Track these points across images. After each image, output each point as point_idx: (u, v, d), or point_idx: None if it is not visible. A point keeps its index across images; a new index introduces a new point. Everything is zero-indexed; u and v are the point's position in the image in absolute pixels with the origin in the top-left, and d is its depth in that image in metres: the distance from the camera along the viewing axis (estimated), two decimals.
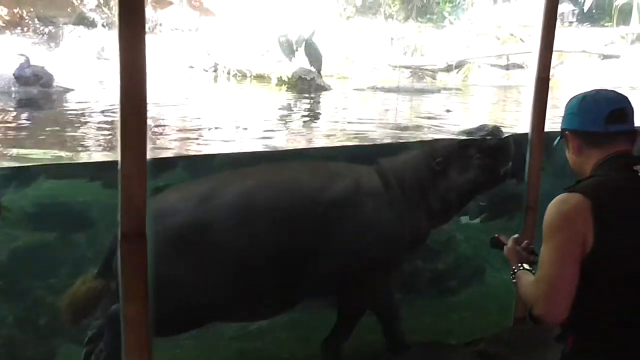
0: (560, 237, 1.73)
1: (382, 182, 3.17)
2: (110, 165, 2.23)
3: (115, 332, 2.64)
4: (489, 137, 3.38)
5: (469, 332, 3.66)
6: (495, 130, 3.45)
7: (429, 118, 7.68)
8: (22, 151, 4.42)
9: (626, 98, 1.87)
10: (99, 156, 4.53)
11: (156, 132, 5.25)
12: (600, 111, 1.81)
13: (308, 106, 9.47)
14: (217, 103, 9.76)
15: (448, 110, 8.34)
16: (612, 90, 1.91)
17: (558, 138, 1.97)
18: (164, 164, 3.68)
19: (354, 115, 8.17)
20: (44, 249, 3.39)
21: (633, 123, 1.87)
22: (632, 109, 1.86)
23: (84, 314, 2.90)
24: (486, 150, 3.28)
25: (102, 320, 2.87)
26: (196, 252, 2.81)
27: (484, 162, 3.25)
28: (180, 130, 6.04)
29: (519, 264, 1.96)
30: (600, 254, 1.70)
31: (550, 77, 3.52)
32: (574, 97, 1.92)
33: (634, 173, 1.78)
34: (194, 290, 2.80)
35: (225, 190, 2.91)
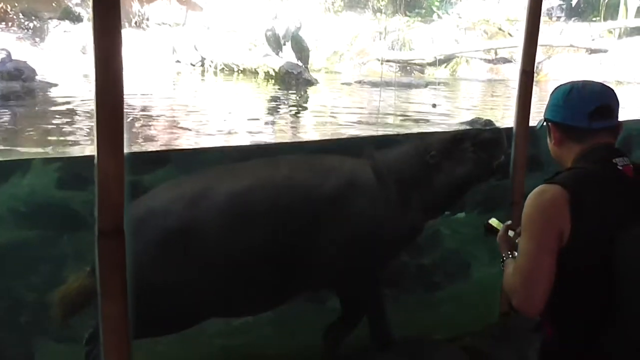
0: (537, 229, 1.73)
1: (376, 176, 3.15)
2: (88, 160, 2.20)
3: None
4: (482, 130, 3.38)
5: (454, 327, 3.66)
6: (489, 123, 3.43)
7: (417, 112, 7.68)
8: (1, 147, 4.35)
9: (612, 92, 1.86)
10: (83, 151, 4.47)
11: (141, 126, 5.21)
12: (584, 107, 1.80)
13: (295, 100, 9.45)
14: (204, 97, 9.71)
15: (434, 105, 8.31)
16: (599, 84, 1.89)
17: (540, 123, 1.96)
18: (148, 159, 3.65)
19: (340, 109, 8.16)
20: (25, 247, 3.36)
21: (617, 117, 1.86)
22: (617, 103, 1.85)
23: (75, 311, 2.87)
24: (480, 144, 3.27)
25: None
26: (188, 253, 2.79)
27: (478, 155, 3.25)
28: (166, 124, 6.00)
29: (509, 252, 1.95)
30: (577, 245, 1.70)
31: (537, 71, 3.53)
32: (560, 86, 1.91)
33: (613, 165, 1.78)
34: (188, 290, 2.79)
35: (216, 191, 2.88)
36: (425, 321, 3.67)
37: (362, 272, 3.12)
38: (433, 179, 3.23)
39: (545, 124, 1.93)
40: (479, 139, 3.28)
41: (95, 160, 2.12)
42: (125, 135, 2.14)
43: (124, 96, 2.09)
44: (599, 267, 1.71)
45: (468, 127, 3.49)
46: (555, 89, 1.92)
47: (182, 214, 2.81)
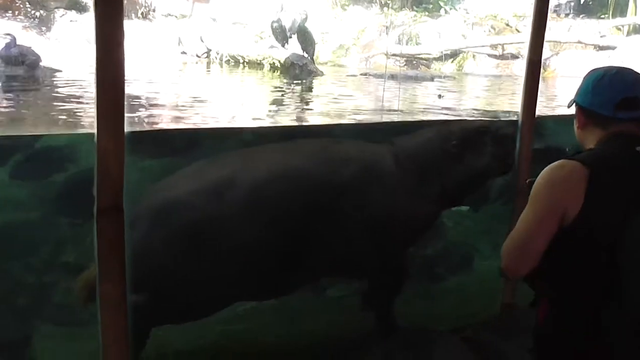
0: (543, 203, 1.77)
1: (395, 164, 3.15)
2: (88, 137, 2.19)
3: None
4: (504, 125, 3.40)
5: (456, 318, 3.65)
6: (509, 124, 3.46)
7: (422, 104, 7.67)
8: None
9: None
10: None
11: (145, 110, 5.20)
12: (612, 96, 1.83)
13: (299, 91, 9.45)
14: (209, 88, 9.71)
15: (440, 96, 8.33)
16: (634, 73, 1.90)
17: (571, 103, 1.97)
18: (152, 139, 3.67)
19: (345, 99, 8.16)
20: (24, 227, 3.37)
21: None
22: None
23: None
24: (500, 138, 3.30)
25: None
26: (211, 245, 2.81)
27: (496, 149, 3.27)
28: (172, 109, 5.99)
29: None
30: (587, 223, 1.72)
31: (545, 67, 3.51)
32: (594, 70, 1.93)
33: (635, 152, 1.79)
34: (211, 279, 2.83)
35: (237, 183, 2.87)
36: (427, 312, 3.66)
37: (381, 259, 3.14)
38: (452, 168, 3.23)
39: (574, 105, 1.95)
40: (500, 133, 3.31)
41: (95, 138, 2.10)
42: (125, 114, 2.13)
43: (125, 72, 2.06)
44: (607, 245, 1.71)
45: (488, 120, 3.46)
46: (589, 72, 1.93)
47: (205, 207, 2.81)
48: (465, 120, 3.61)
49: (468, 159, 3.24)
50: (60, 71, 8.21)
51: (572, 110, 2.00)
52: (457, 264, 4.35)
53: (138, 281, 2.74)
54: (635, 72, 1.91)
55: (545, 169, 1.82)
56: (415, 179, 3.17)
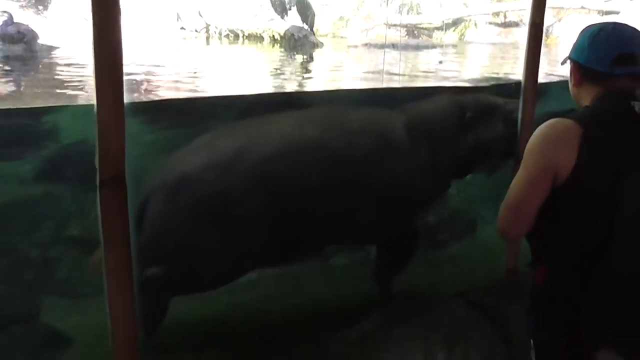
0: (535, 162, 1.77)
1: (407, 134, 3.15)
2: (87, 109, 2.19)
3: (149, 297, 2.87)
4: (516, 108, 3.39)
5: (460, 284, 3.66)
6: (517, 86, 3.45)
7: (424, 71, 7.63)
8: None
9: (638, 39, 1.85)
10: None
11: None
12: (609, 52, 1.81)
13: (300, 62, 9.41)
14: (209, 61, 9.66)
15: (440, 62, 8.32)
16: (630, 28, 1.88)
17: (565, 60, 1.97)
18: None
19: (348, 69, 8.12)
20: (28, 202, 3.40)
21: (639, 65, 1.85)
22: None
23: None
24: (513, 121, 3.32)
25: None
26: (224, 217, 2.84)
27: (507, 131, 3.29)
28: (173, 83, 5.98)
29: None
30: (579, 182, 1.72)
31: (547, 34, 3.48)
32: (590, 26, 1.91)
33: (631, 108, 1.77)
34: (225, 250, 2.87)
35: (248, 156, 2.88)
36: (431, 279, 3.68)
37: (393, 228, 3.20)
38: (463, 140, 3.24)
39: (569, 62, 1.94)
40: (514, 116, 3.32)
41: (95, 109, 2.10)
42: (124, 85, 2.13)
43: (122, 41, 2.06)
44: (601, 203, 1.71)
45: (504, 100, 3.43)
46: (585, 29, 1.91)
47: (216, 182, 2.83)
48: (483, 94, 3.55)
49: (479, 134, 3.25)
50: (58, 48, 8.18)
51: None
52: (462, 231, 4.37)
53: (155, 254, 2.89)
54: (632, 27, 1.88)
55: (536, 129, 1.82)
56: (426, 149, 3.17)
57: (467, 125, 3.24)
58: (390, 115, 3.26)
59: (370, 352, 2.60)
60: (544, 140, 1.78)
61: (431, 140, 3.20)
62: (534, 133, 1.82)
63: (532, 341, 1.99)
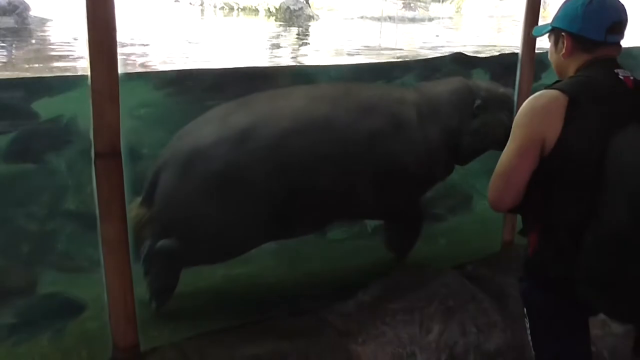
0: (524, 133, 1.82)
1: (417, 115, 3.18)
2: (80, 80, 2.17)
3: (162, 267, 2.98)
4: None
5: (455, 257, 3.68)
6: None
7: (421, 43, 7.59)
8: None
9: (625, 8, 1.90)
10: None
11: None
12: (604, 21, 1.84)
13: (297, 35, 9.35)
14: (205, 35, 9.59)
15: (437, 36, 8.29)
16: None
17: (544, 30, 2.00)
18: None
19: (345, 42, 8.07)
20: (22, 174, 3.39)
21: (624, 34, 1.91)
22: (627, 20, 1.90)
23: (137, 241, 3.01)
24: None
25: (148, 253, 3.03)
26: (235, 192, 2.88)
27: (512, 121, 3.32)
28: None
29: None
30: (567, 149, 1.76)
31: (544, 6, 3.45)
32: None
33: (615, 74, 1.83)
34: (237, 224, 2.92)
35: (260, 132, 2.90)
36: (427, 252, 3.70)
37: (397, 205, 3.29)
38: (470, 126, 3.28)
39: (548, 32, 1.98)
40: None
41: (89, 81, 2.08)
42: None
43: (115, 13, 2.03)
44: (590, 166, 1.74)
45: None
46: None
47: (229, 157, 2.86)
48: (494, 82, 3.56)
49: (485, 122, 3.29)
50: (51, 20, 8.09)
51: None
52: (457, 205, 4.38)
53: (167, 225, 2.95)
54: None
55: (524, 102, 1.86)
56: (433, 131, 3.21)
57: (475, 113, 3.28)
58: (402, 93, 3.28)
59: (366, 324, 2.61)
60: (531, 111, 1.82)
61: (439, 123, 3.24)
62: (522, 105, 1.86)
63: (525, 309, 2.04)
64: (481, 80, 3.53)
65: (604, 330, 2.76)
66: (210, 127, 2.96)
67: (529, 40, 3.41)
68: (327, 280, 3.49)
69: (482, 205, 4.66)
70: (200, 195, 2.85)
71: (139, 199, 2.99)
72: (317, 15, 10.84)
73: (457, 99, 3.31)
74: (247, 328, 2.66)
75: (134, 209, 2.94)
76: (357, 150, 3.03)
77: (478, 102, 3.28)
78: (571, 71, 1.91)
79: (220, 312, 3.07)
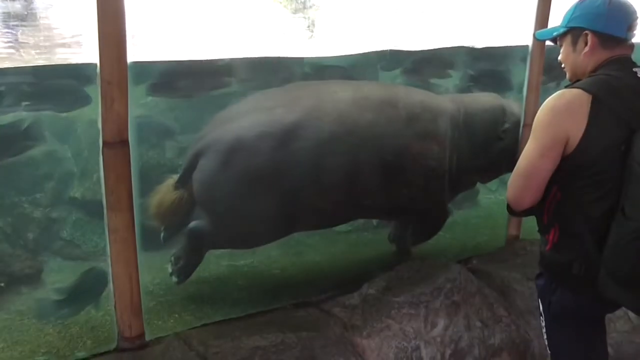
0: (547, 132, 1.82)
1: (453, 127, 3.29)
2: (89, 68, 2.17)
3: (191, 246, 3.13)
4: None
5: (460, 251, 3.72)
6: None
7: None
8: None
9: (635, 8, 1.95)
10: None
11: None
12: (626, 18, 1.89)
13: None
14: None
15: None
16: None
17: (558, 32, 2.01)
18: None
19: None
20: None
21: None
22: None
23: (171, 220, 3.17)
24: None
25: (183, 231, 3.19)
26: (273, 185, 2.96)
27: None
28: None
29: None
30: (591, 146, 1.78)
31: None
32: None
33: (634, 73, 1.86)
34: (269, 214, 3.00)
35: (304, 134, 2.97)
36: (433, 246, 3.72)
37: (428, 208, 3.41)
38: (494, 148, 3.39)
39: (564, 32, 1.98)
40: None
41: (98, 69, 2.08)
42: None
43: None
44: (614, 162, 1.77)
45: None
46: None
47: (271, 153, 2.93)
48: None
49: (506, 146, 3.38)
50: (56, 5, 8.05)
51: None
52: (462, 199, 4.38)
53: (202, 207, 3.08)
54: None
55: (544, 102, 1.87)
56: (465, 146, 3.32)
57: (501, 136, 3.38)
58: (442, 104, 3.35)
59: (371, 317, 2.62)
60: (552, 110, 1.83)
61: (470, 139, 3.34)
62: (543, 105, 1.86)
63: (541, 307, 2.05)
64: (513, 102, 3.60)
65: (609, 327, 2.76)
66: (254, 118, 3.01)
67: (540, 27, 3.39)
68: (331, 271, 3.51)
69: (488, 200, 4.67)
70: (239, 185, 2.93)
71: (174, 179, 3.11)
72: None
73: (490, 118, 3.41)
74: (252, 319, 2.67)
75: (167, 187, 3.09)
76: (394, 156, 3.12)
77: (507, 125, 3.38)
78: (589, 70, 1.92)
79: (224, 302, 3.09)
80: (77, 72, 3.43)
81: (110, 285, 2.33)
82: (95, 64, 2.09)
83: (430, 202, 3.36)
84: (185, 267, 3.16)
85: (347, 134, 3.01)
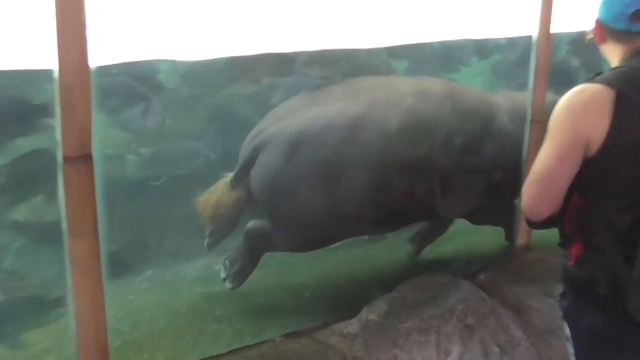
0: (563, 133, 1.79)
1: (510, 122, 3.50)
2: (45, 74, 2.12)
3: (250, 248, 3.29)
4: None
5: (466, 262, 3.78)
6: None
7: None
8: None
9: None
10: None
11: None
12: (625, 9, 1.86)
13: None
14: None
15: None
16: None
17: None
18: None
19: None
20: None
21: None
22: None
23: (226, 222, 3.31)
24: None
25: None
26: (338, 183, 3.10)
27: None
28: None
29: None
30: (617, 148, 1.75)
31: None
32: None
33: None
34: (333, 215, 3.13)
35: (369, 127, 3.13)
36: (437, 255, 3.80)
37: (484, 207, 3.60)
38: None
39: None
40: None
41: (56, 74, 2.02)
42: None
43: None
44: (635, 172, 1.75)
45: None
46: None
47: (337, 149, 3.07)
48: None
49: None
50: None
51: None
52: None
53: (263, 206, 3.18)
54: None
55: (561, 98, 1.83)
56: (516, 141, 3.49)
57: None
58: (496, 99, 3.56)
59: (375, 347, 2.58)
60: (570, 108, 1.79)
61: (519, 136, 3.50)
62: (560, 101, 1.83)
63: (568, 329, 2.01)
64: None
65: None
66: (318, 110, 3.15)
67: (544, 17, 3.44)
68: (322, 292, 3.50)
69: None
70: (303, 181, 3.05)
71: (229, 177, 3.21)
72: None
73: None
74: (237, 355, 2.62)
75: (223, 186, 3.21)
76: (456, 152, 3.30)
77: None
78: (615, 62, 1.93)
79: (203, 337, 3.03)
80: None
81: (72, 324, 2.26)
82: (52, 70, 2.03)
83: (502, 199, 3.56)
84: (242, 272, 3.29)
85: (411, 128, 3.16)
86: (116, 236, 3.41)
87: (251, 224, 3.23)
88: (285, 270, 3.67)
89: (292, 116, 3.15)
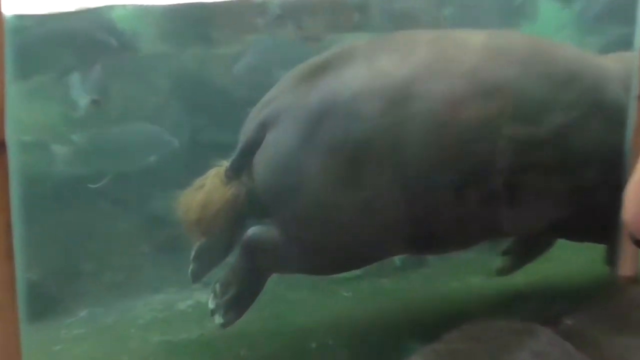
0: None
1: (625, 91, 3.41)
2: None
3: (250, 266, 3.24)
4: None
5: (545, 300, 3.76)
6: None
7: None
8: None
9: None
10: None
11: None
12: None
13: None
14: None
15: None
16: None
17: None
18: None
19: None
20: None
21: None
22: None
23: (217, 231, 3.27)
24: None
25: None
26: (383, 173, 3.05)
27: None
28: None
29: None
30: None
31: None
32: None
33: None
34: (373, 220, 3.09)
35: (421, 93, 3.08)
36: (506, 289, 3.86)
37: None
38: None
39: None
40: None
41: None
42: None
43: None
44: None
45: None
46: None
47: (374, 125, 3.02)
48: None
49: None
50: None
51: None
52: None
53: (271, 205, 3.14)
54: None
55: None
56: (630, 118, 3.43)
57: None
58: (603, 62, 3.49)
59: None
60: None
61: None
62: None
63: None
64: None
65: None
66: (350, 71, 3.12)
67: None
68: (336, 338, 3.49)
69: None
70: (327, 169, 3.00)
71: (223, 165, 3.20)
72: None
73: None
74: None
75: (214, 178, 3.20)
76: (547, 135, 3.20)
77: None
78: None
79: None
80: None
81: None
82: None
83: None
84: (237, 300, 3.25)
85: (482, 98, 3.10)
86: (38, 260, 3.44)
87: (251, 231, 3.19)
88: (282, 309, 3.69)
89: (314, 80, 3.12)
